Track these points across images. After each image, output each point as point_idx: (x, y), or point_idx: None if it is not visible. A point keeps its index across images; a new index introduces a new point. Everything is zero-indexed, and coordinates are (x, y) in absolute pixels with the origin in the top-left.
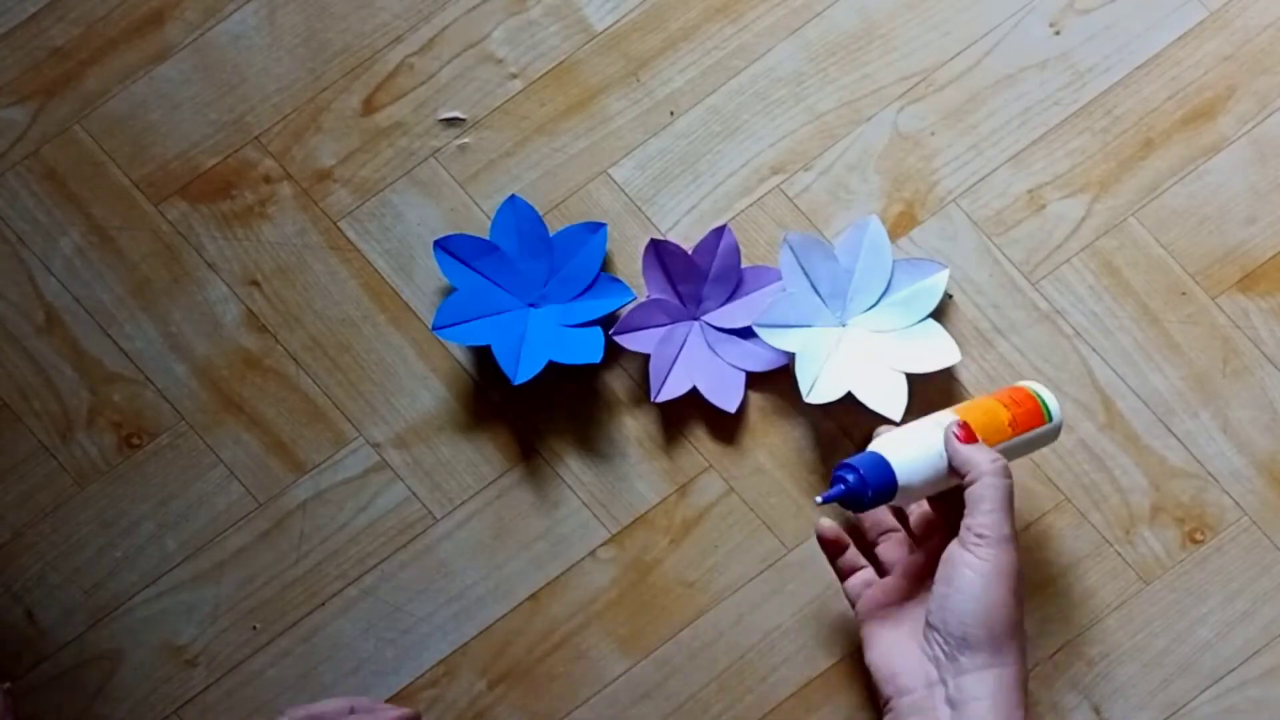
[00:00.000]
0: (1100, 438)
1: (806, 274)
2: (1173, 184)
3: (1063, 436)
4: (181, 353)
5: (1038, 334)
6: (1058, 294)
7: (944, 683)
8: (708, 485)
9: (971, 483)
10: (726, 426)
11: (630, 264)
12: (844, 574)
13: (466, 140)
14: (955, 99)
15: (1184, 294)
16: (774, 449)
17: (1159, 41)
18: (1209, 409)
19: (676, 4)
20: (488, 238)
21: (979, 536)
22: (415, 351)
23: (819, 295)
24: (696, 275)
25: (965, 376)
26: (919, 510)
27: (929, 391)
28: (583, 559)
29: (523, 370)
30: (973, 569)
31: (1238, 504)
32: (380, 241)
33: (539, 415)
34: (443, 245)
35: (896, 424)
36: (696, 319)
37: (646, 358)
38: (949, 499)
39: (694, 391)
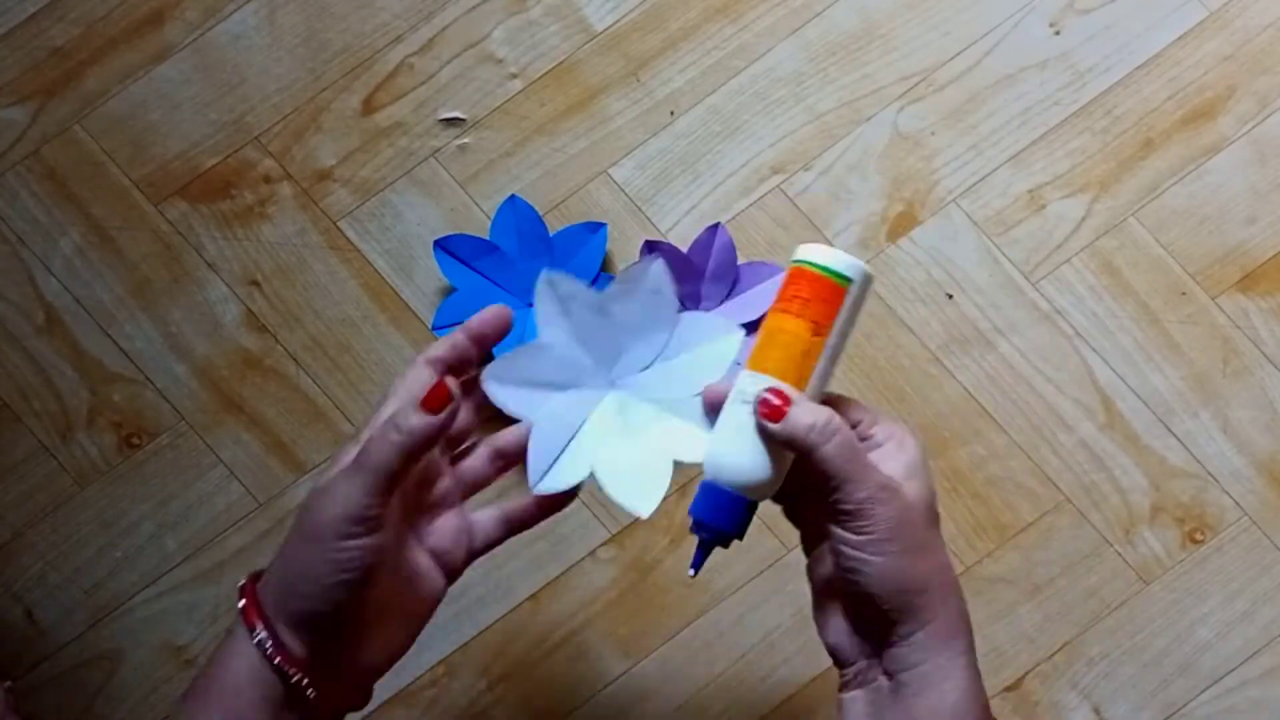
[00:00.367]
0: (1100, 438)
1: (569, 320)
2: (1173, 184)
3: (1062, 436)
4: (181, 353)
5: (1038, 334)
6: (1058, 294)
7: (877, 654)
8: None
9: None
10: None
11: (631, 264)
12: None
13: (466, 140)
14: (955, 99)
15: (1184, 294)
16: None
17: (1159, 41)
18: (1209, 409)
19: (676, 4)
20: (488, 238)
21: (842, 514)
22: (415, 351)
23: (582, 349)
24: (694, 274)
25: (965, 378)
26: None
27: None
28: (583, 559)
29: None
30: (850, 545)
31: (1238, 504)
32: (380, 241)
33: None
34: (443, 245)
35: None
36: None
37: None
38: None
39: None
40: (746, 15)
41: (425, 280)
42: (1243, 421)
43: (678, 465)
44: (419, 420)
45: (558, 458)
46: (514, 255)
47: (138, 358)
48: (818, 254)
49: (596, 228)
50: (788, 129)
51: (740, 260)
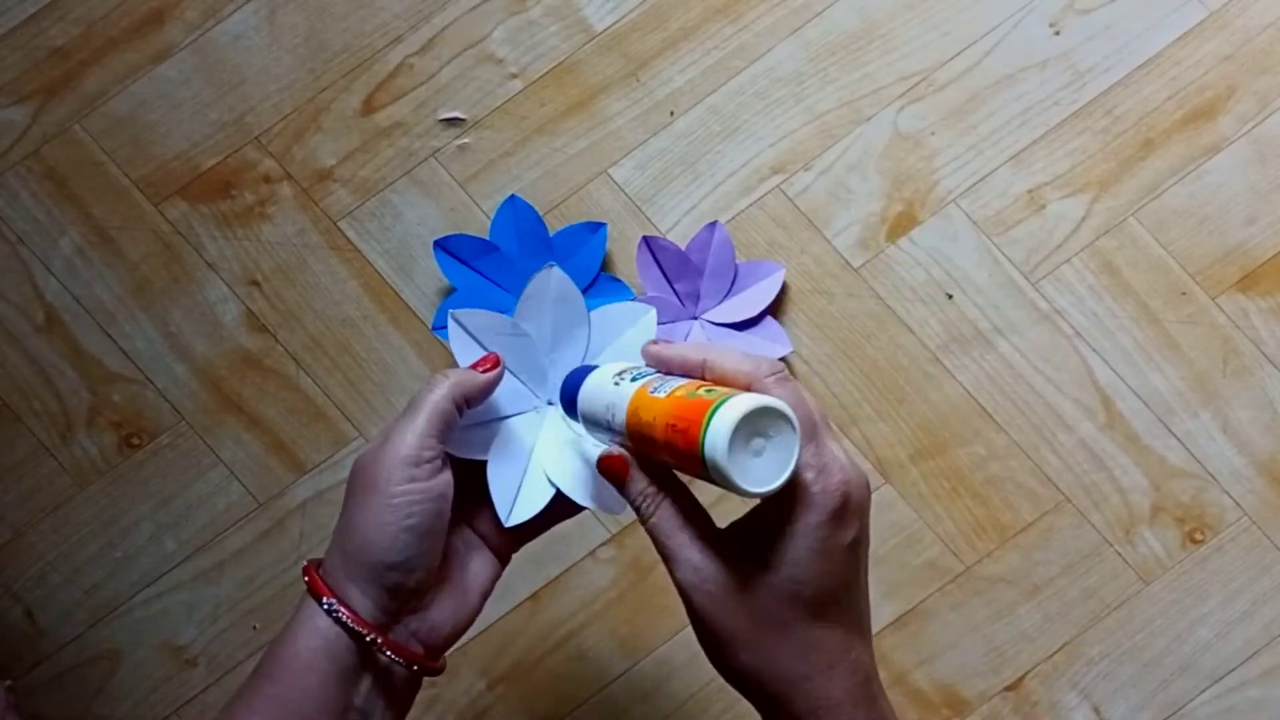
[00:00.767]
0: (1100, 438)
1: (486, 351)
2: (1173, 184)
3: (1062, 436)
4: (181, 353)
5: (1038, 334)
6: (1058, 294)
7: None
8: (708, 485)
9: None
10: None
11: (630, 264)
12: None
13: (466, 140)
14: (955, 99)
15: (1184, 294)
16: None
17: (1159, 41)
18: (1209, 409)
19: (676, 4)
20: (487, 238)
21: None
22: (415, 351)
23: (510, 375)
24: (692, 272)
25: (965, 378)
26: None
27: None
28: (583, 559)
29: None
30: (692, 598)
31: (1238, 504)
32: (380, 241)
33: None
34: (443, 245)
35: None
36: (696, 318)
37: None
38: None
39: None
40: (746, 15)
41: (425, 280)
42: (1243, 421)
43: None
44: (467, 373)
45: (520, 487)
46: (514, 255)
47: (138, 358)
48: (730, 416)
49: (596, 228)
50: (788, 129)
51: (739, 259)
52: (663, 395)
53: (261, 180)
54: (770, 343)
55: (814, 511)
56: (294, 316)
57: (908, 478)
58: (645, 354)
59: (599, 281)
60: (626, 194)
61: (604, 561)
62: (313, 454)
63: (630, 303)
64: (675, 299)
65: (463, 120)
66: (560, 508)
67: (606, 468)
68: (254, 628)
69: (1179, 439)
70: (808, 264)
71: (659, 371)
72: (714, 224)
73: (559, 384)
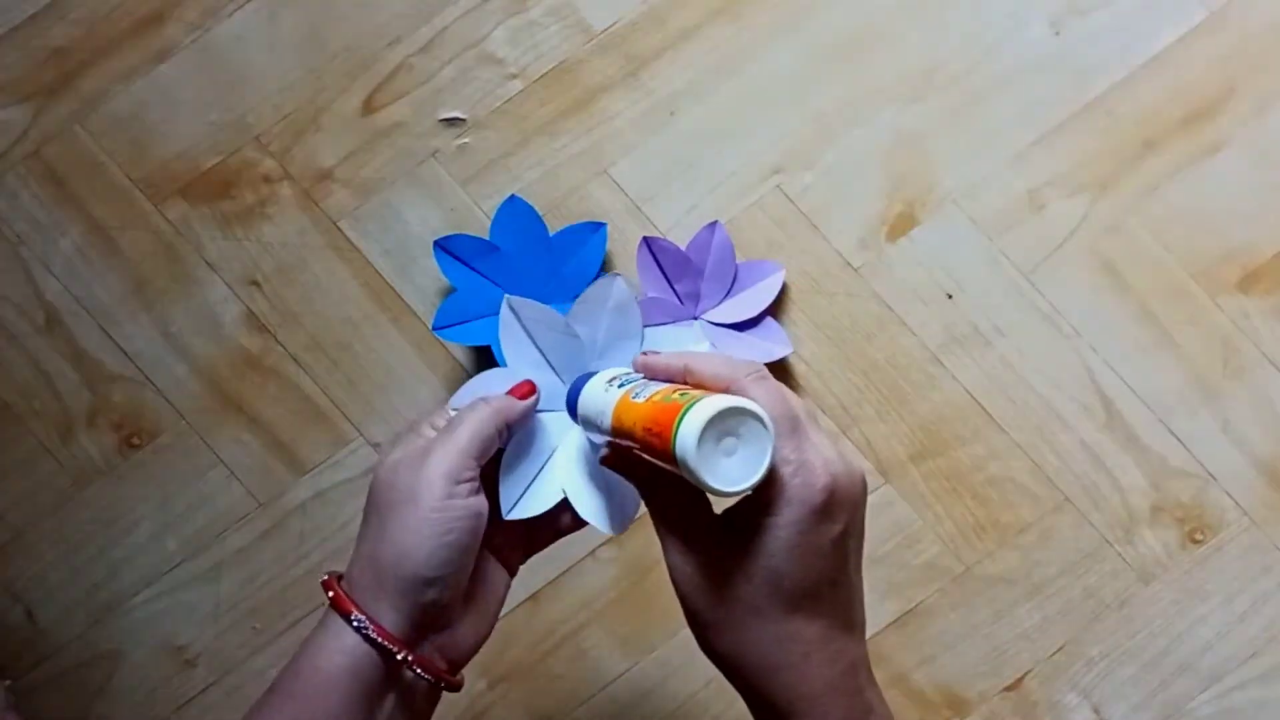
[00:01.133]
0: (1100, 438)
1: (534, 343)
2: (1173, 184)
3: (1062, 436)
4: (181, 353)
5: (1038, 334)
6: (1058, 294)
7: None
8: None
9: None
10: None
11: (630, 263)
12: None
13: (466, 140)
14: (955, 99)
15: (1184, 294)
16: None
17: (1159, 41)
18: (1209, 409)
19: (676, 4)
20: (487, 238)
21: None
22: (415, 352)
23: (551, 372)
24: (692, 272)
25: (965, 378)
26: None
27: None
28: (583, 559)
29: None
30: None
31: (1238, 504)
32: (380, 241)
33: None
34: (442, 245)
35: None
36: (696, 318)
37: None
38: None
39: None
40: (746, 15)
41: (425, 280)
42: (1243, 421)
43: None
44: (508, 400)
45: (530, 485)
46: (514, 255)
47: (138, 358)
48: (700, 414)
49: (596, 227)
50: (788, 129)
51: (739, 259)
52: (641, 400)
53: (261, 180)
54: (770, 343)
55: (793, 507)
56: (294, 316)
57: (908, 478)
58: (634, 362)
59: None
60: (626, 194)
61: (604, 561)
62: (313, 454)
63: (684, 326)
64: (675, 299)
65: (463, 120)
66: (568, 518)
67: (608, 462)
68: (254, 628)
69: (1179, 439)
70: (808, 264)
71: (645, 378)
72: (714, 224)
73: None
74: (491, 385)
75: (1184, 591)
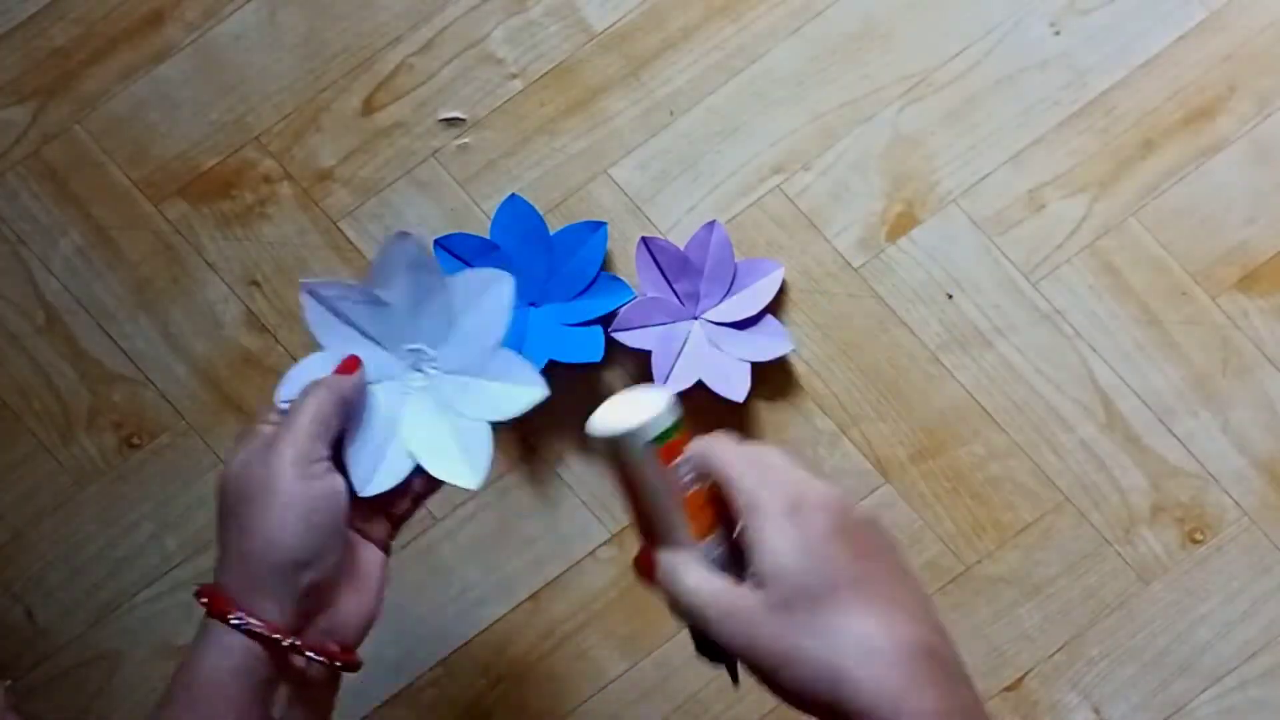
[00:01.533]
0: (1100, 438)
1: (344, 319)
2: (1173, 184)
3: (1062, 436)
4: (181, 353)
5: (1038, 334)
6: (1058, 294)
7: None
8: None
9: None
10: (726, 425)
11: (630, 263)
12: None
13: (466, 140)
14: (955, 99)
15: (1184, 294)
16: None
17: (1159, 41)
18: (1209, 409)
19: (676, 4)
20: (488, 237)
21: None
22: None
23: (372, 340)
24: (691, 272)
25: (965, 378)
26: None
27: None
28: (583, 559)
29: None
30: None
31: (1238, 504)
32: (380, 241)
33: (539, 415)
34: (443, 244)
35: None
36: (696, 318)
37: (647, 357)
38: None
39: (692, 391)
40: (746, 15)
41: None
42: (1243, 421)
43: (496, 426)
44: (339, 378)
45: (379, 458)
46: (514, 254)
47: (138, 358)
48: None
49: (596, 226)
50: (788, 129)
51: (739, 258)
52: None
53: (261, 180)
54: (771, 341)
55: (758, 513)
56: (294, 316)
57: (908, 478)
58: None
59: (599, 280)
60: (626, 194)
61: (604, 561)
62: None
63: (487, 270)
64: (675, 299)
65: (463, 120)
66: (419, 482)
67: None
68: None
69: (1179, 439)
70: (808, 264)
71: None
72: (712, 223)
73: (425, 349)
74: (314, 370)
75: (1184, 591)
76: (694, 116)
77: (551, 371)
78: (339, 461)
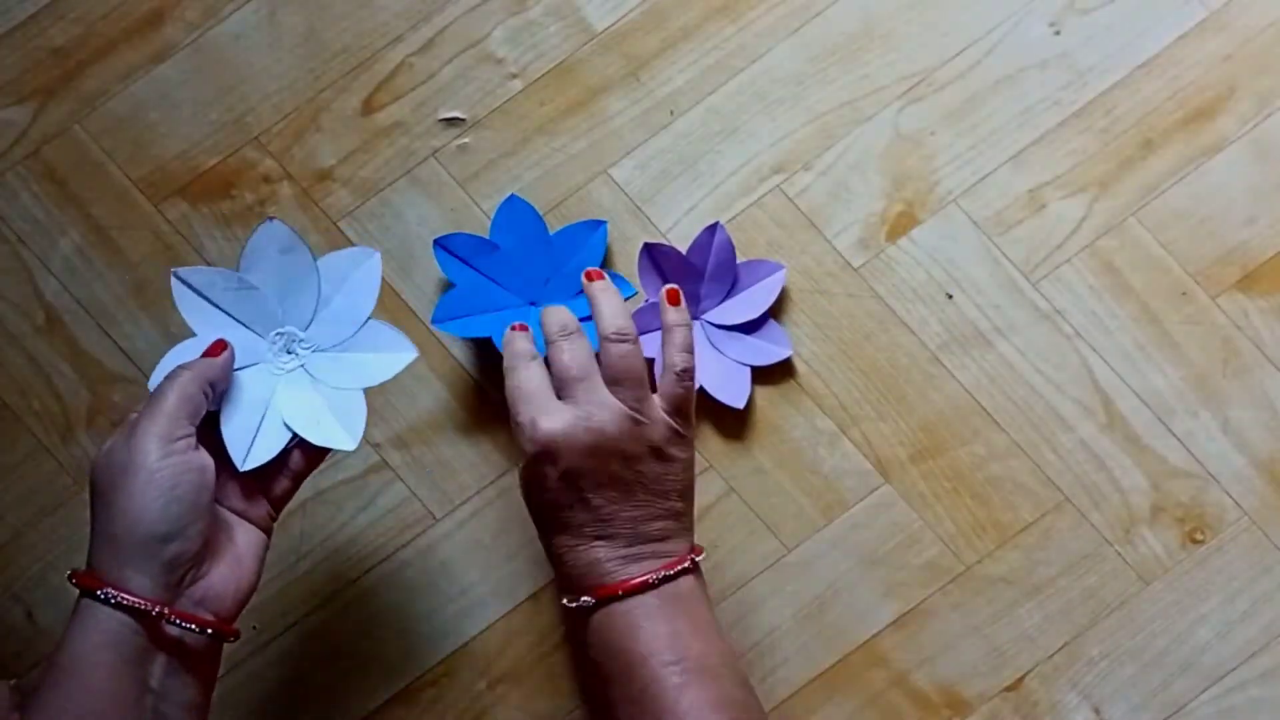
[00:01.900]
0: (1100, 438)
1: (215, 305)
2: (1173, 184)
3: (1062, 436)
4: None
5: (1038, 334)
6: (1058, 294)
7: None
8: (708, 485)
9: None
10: (726, 426)
11: (630, 264)
12: None
13: (466, 140)
14: (955, 99)
15: (1184, 294)
16: (774, 449)
17: (1159, 41)
18: (1209, 409)
19: (676, 4)
20: (488, 237)
21: None
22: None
23: (243, 325)
24: (693, 275)
25: (965, 378)
26: None
27: None
28: None
29: None
30: None
31: (1238, 504)
32: (380, 241)
33: None
34: (443, 244)
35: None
36: (697, 318)
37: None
38: None
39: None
40: (746, 15)
41: (425, 280)
42: (1243, 421)
43: (370, 391)
44: (205, 360)
45: (255, 434)
46: (514, 254)
47: (138, 358)
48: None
49: (596, 225)
50: (788, 129)
51: (739, 259)
52: None
53: (261, 180)
54: (771, 345)
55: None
56: None
57: (908, 478)
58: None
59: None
60: (626, 194)
61: None
62: None
63: (354, 248)
64: None
65: (463, 120)
66: (297, 456)
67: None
68: (254, 628)
69: (1179, 439)
70: (808, 264)
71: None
72: (714, 226)
73: (295, 328)
74: (185, 356)
75: (1184, 591)
76: (694, 116)
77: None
78: (215, 443)
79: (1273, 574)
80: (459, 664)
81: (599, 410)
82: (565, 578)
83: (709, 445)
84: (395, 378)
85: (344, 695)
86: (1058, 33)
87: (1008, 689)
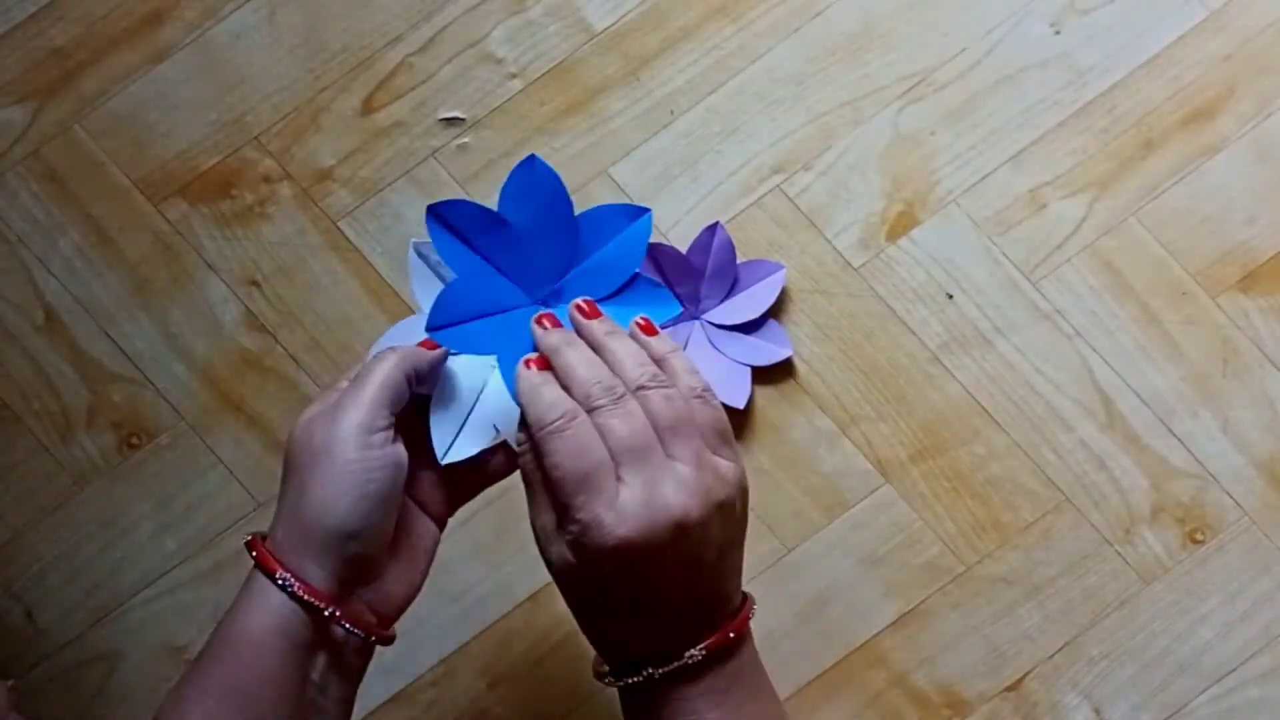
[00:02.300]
0: (1100, 438)
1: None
2: (1173, 184)
3: (1062, 436)
4: (181, 353)
5: (1038, 334)
6: (1058, 294)
7: None
8: None
9: None
10: None
11: None
12: None
13: (466, 140)
14: (955, 99)
15: (1184, 294)
16: (774, 449)
17: (1159, 41)
18: (1209, 409)
19: (676, 4)
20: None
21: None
22: None
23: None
24: (693, 275)
25: (965, 378)
26: None
27: None
28: None
29: None
30: None
31: (1238, 504)
32: (380, 241)
33: None
34: (438, 213)
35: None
36: (697, 318)
37: None
38: None
39: None
40: (746, 15)
41: None
42: (1243, 421)
43: None
44: (414, 349)
45: (461, 427)
46: (527, 233)
47: (138, 358)
48: None
49: (636, 213)
50: (788, 129)
51: (739, 259)
52: None
53: (261, 180)
54: (771, 345)
55: (581, 567)
56: (294, 316)
57: (908, 478)
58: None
59: (638, 284)
60: (627, 194)
61: None
62: None
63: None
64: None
65: (463, 120)
66: (500, 458)
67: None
68: None
69: (1179, 439)
70: (808, 264)
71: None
72: (714, 225)
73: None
74: (407, 333)
75: (1184, 591)
76: (694, 116)
77: None
78: (417, 429)
79: (1273, 574)
80: (459, 664)
81: (674, 492)
82: (609, 651)
83: None
84: None
85: None
86: (1058, 33)
87: (1008, 689)
